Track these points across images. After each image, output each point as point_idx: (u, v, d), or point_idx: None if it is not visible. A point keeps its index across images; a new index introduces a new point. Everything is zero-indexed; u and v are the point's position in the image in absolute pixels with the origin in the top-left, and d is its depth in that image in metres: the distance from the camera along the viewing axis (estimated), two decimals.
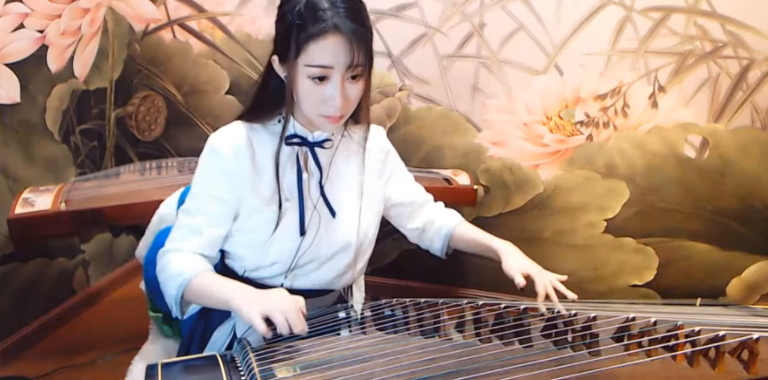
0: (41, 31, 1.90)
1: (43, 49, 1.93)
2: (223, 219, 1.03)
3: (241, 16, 2.20)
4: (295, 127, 1.04)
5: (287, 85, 0.97)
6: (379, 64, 2.11)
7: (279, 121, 1.04)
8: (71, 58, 2.06)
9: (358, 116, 1.07)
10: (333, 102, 0.95)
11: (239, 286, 0.95)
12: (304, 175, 1.06)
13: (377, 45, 2.09)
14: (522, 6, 1.93)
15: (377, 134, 1.18)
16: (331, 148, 1.08)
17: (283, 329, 0.86)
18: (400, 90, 2.13)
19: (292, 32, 0.92)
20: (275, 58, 0.98)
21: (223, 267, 1.12)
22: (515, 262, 1.12)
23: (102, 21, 2.19)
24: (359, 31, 0.92)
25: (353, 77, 0.95)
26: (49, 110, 1.99)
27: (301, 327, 0.87)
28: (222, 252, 1.10)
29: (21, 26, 1.83)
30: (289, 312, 0.86)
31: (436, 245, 1.27)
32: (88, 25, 2.11)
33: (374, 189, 1.15)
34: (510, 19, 1.95)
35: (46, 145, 2.00)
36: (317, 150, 1.06)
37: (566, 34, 1.92)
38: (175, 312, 1.02)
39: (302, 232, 1.04)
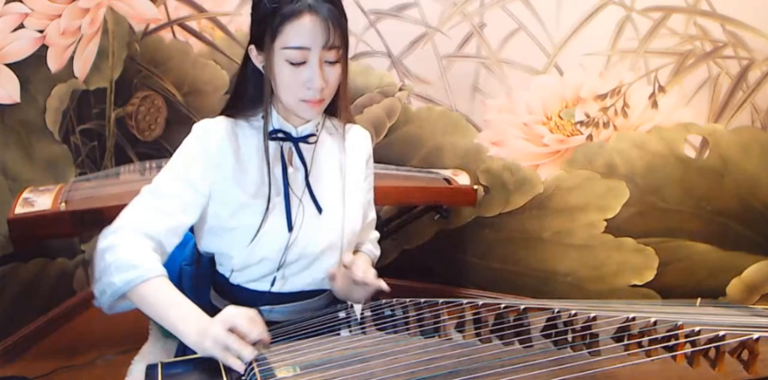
0: (41, 31, 1.90)
1: (43, 49, 1.93)
2: (192, 207, 1.00)
3: (241, 16, 2.20)
4: (278, 121, 1.04)
5: (265, 75, 0.97)
6: (379, 64, 2.11)
7: (262, 117, 1.03)
8: (71, 58, 2.06)
9: (338, 112, 1.07)
10: (312, 84, 0.95)
11: (182, 311, 0.87)
12: (290, 170, 1.05)
13: (377, 45, 2.09)
14: (522, 6, 1.93)
15: (364, 136, 1.18)
16: (315, 142, 1.08)
17: (231, 364, 0.81)
18: (400, 90, 2.13)
19: (267, 17, 0.93)
20: (252, 47, 0.99)
21: (213, 274, 1.11)
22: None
23: (102, 21, 2.19)
24: (333, 12, 0.92)
25: (331, 62, 0.95)
26: (49, 110, 1.99)
27: (247, 351, 0.80)
28: (211, 259, 1.10)
29: (21, 26, 1.83)
30: (230, 345, 0.80)
31: None
32: (88, 25, 2.11)
33: (358, 187, 1.14)
34: (510, 19, 1.95)
35: (46, 145, 2.00)
36: (301, 145, 1.06)
37: (566, 34, 1.92)
38: (104, 302, 0.93)
39: (290, 227, 1.04)
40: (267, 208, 1.02)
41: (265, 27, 0.94)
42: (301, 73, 0.94)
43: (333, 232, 1.08)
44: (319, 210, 1.07)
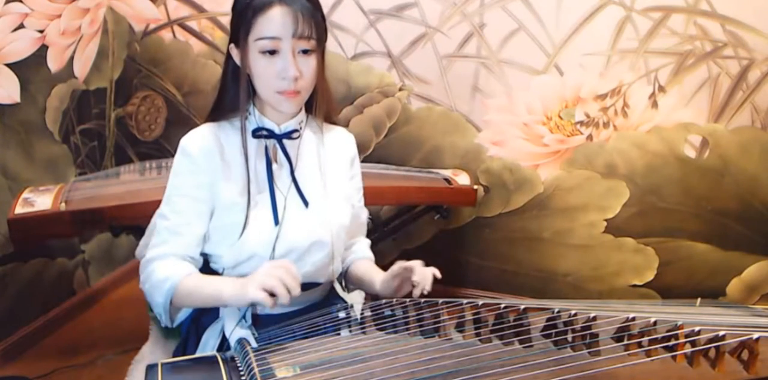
0: (41, 31, 1.90)
1: (43, 49, 1.93)
2: (199, 217, 1.04)
3: None
4: (261, 120, 1.06)
5: (243, 70, 1.01)
6: (379, 64, 2.11)
7: (246, 118, 1.06)
8: (71, 58, 2.06)
9: (315, 110, 1.10)
10: (286, 73, 0.97)
11: (227, 280, 0.97)
12: (274, 166, 1.07)
13: (377, 45, 2.09)
14: (522, 6, 1.93)
15: (348, 138, 1.20)
16: (299, 138, 1.10)
17: (282, 293, 0.87)
18: (400, 90, 2.13)
19: (242, 12, 0.97)
20: (232, 46, 1.03)
21: (207, 270, 1.12)
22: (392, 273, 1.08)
23: (102, 21, 2.19)
24: (305, 4, 0.96)
25: (305, 52, 0.98)
26: (49, 110, 1.99)
27: (295, 286, 0.88)
28: (205, 255, 1.11)
29: (21, 26, 1.83)
30: (283, 276, 0.88)
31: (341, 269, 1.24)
32: (88, 25, 2.11)
33: (342, 184, 1.16)
34: (510, 19, 1.95)
35: (46, 145, 2.00)
36: (285, 142, 1.08)
37: (566, 34, 1.92)
38: (165, 320, 1.04)
39: (276, 222, 1.05)
40: (248, 205, 1.04)
41: (240, 22, 0.98)
42: (274, 64, 0.98)
43: (321, 226, 1.10)
44: (306, 204, 1.09)
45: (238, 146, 1.06)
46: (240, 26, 0.98)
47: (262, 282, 0.88)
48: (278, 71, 0.98)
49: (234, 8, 1.01)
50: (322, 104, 1.09)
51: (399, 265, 1.05)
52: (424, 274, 1.02)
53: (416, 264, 1.04)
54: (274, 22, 0.95)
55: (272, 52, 0.97)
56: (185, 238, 1.04)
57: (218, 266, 1.09)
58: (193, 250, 1.05)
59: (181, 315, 1.09)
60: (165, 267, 1.01)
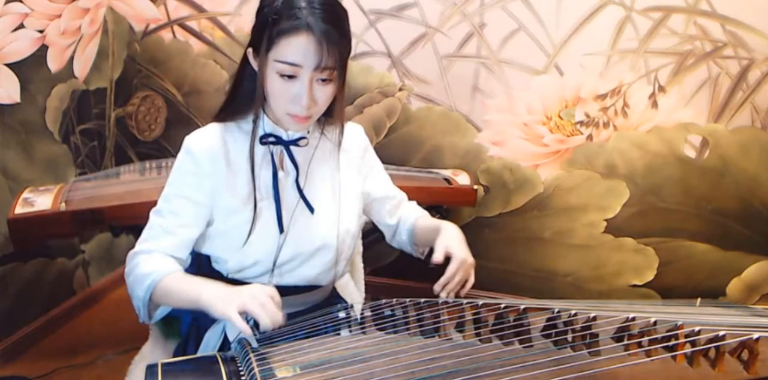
0: (41, 31, 1.90)
1: (43, 49, 1.93)
2: (195, 220, 1.03)
3: (241, 16, 2.20)
4: (269, 126, 1.05)
5: (258, 79, 0.98)
6: (379, 64, 2.11)
7: (253, 121, 1.04)
8: (71, 58, 2.06)
9: (333, 116, 1.08)
10: (300, 101, 0.95)
11: (207, 284, 0.94)
12: (280, 174, 1.06)
13: (377, 45, 2.09)
14: (522, 6, 1.93)
15: (355, 131, 1.19)
16: (307, 146, 1.09)
17: (262, 320, 0.85)
18: (400, 90, 2.13)
19: (267, 26, 0.93)
20: (250, 50, 1.00)
21: (210, 271, 1.12)
22: (447, 240, 1.09)
23: (102, 21, 2.19)
24: (331, 34, 0.92)
25: (323, 80, 0.95)
26: (49, 110, 1.99)
27: (276, 317, 0.86)
28: (208, 256, 1.10)
29: (21, 26, 1.83)
30: (265, 303, 0.86)
31: (404, 238, 1.26)
32: (88, 25, 2.11)
33: (353, 186, 1.15)
34: (510, 19, 1.95)
35: (46, 145, 2.00)
36: (293, 148, 1.07)
37: (566, 34, 1.92)
38: (143, 316, 1.02)
39: (281, 230, 1.05)
40: (254, 211, 1.03)
41: (262, 35, 0.94)
42: (290, 88, 0.95)
43: (326, 232, 1.09)
44: (311, 210, 1.08)
45: (245, 150, 1.04)
46: (262, 37, 0.94)
47: (243, 306, 0.86)
48: (293, 96, 0.95)
49: (259, 14, 0.97)
50: (339, 115, 1.08)
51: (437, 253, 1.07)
52: (464, 273, 1.07)
53: (455, 261, 1.07)
54: (297, 50, 0.92)
55: (290, 76, 0.94)
56: (177, 239, 1.02)
57: (222, 269, 1.08)
58: (183, 252, 1.04)
59: (160, 312, 1.07)
60: (150, 261, 0.99)
